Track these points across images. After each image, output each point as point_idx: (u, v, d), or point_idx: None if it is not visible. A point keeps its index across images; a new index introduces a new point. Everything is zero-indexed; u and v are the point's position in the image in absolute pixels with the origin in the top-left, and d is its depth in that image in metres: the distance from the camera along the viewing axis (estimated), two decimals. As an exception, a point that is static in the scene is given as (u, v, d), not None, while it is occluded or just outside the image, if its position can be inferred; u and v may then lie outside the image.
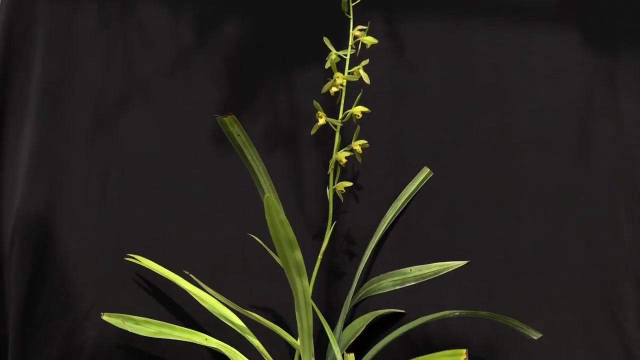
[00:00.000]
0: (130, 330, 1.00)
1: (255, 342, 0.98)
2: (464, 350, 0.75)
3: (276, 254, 0.99)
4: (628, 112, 1.17)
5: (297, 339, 0.97)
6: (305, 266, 0.83)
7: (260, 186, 0.86)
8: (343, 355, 0.95)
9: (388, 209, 1.15)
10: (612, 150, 1.16)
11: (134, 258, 1.08)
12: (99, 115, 1.15)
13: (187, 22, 1.17)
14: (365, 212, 1.16)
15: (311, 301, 0.82)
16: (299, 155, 1.16)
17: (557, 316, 1.15)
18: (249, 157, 0.83)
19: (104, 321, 1.02)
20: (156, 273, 1.06)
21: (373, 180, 1.17)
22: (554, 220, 1.16)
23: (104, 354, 1.13)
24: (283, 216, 0.70)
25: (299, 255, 0.76)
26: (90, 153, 1.14)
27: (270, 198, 0.67)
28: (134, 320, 1.02)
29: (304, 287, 0.80)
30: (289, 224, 0.71)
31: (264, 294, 1.13)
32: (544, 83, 1.17)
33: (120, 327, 1.01)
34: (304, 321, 0.84)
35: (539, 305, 1.15)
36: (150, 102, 1.15)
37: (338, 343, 0.98)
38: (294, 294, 0.82)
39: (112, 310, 1.03)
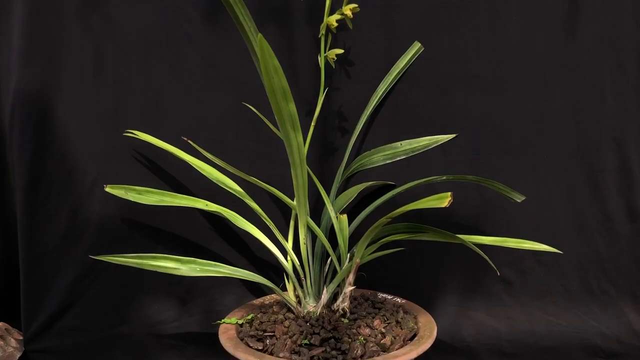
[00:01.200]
0: (132, 199, 1.04)
1: (254, 206, 1.02)
2: (449, 193, 0.79)
3: (273, 123, 1.03)
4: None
5: (293, 200, 1.02)
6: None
7: (252, 48, 0.87)
8: (337, 217, 1.00)
9: (379, 84, 1.17)
10: (599, 20, 1.16)
11: (132, 133, 1.11)
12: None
13: None
14: (356, 88, 1.18)
15: (305, 158, 0.86)
16: (290, 30, 1.16)
17: (541, 185, 1.20)
18: (240, 17, 0.84)
19: (107, 196, 1.06)
20: (155, 148, 1.10)
21: (364, 56, 1.18)
22: (540, 92, 1.18)
23: (107, 227, 1.18)
24: (277, 62, 0.72)
25: (292, 107, 0.78)
26: (83, 30, 1.14)
27: (264, 40, 0.68)
28: (136, 190, 1.06)
29: (298, 143, 0.83)
30: (282, 72, 0.73)
31: (260, 165, 1.17)
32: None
33: (123, 197, 1.05)
34: (299, 177, 0.87)
35: (524, 175, 1.20)
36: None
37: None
38: (288, 151, 0.85)
39: (114, 184, 1.06)
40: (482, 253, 0.86)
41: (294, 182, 0.90)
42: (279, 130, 1.00)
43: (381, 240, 0.94)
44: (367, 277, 1.06)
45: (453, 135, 1.18)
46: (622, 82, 1.18)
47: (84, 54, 1.14)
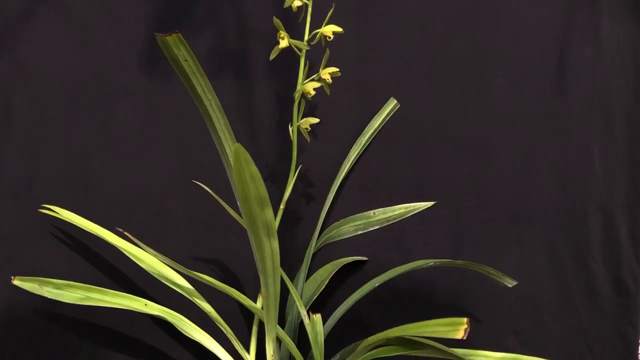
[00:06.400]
0: (49, 296, 0.84)
1: (206, 307, 0.83)
2: (465, 320, 0.64)
3: (229, 203, 0.85)
4: (608, 37, 1.07)
5: (255, 302, 0.84)
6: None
7: (212, 124, 0.69)
8: (308, 314, 0.83)
9: (351, 146, 1.02)
10: (589, 78, 1.07)
11: (49, 209, 0.89)
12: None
13: None
14: (325, 150, 1.03)
15: (279, 264, 0.68)
16: (249, 83, 0.99)
17: (525, 258, 1.09)
18: (199, 89, 0.65)
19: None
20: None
21: (334, 114, 1.03)
22: (526, 157, 1.07)
23: (19, 322, 0.95)
24: (254, 168, 0.54)
25: (270, 214, 0.61)
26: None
27: (241, 148, 0.51)
28: (53, 284, 0.85)
29: (273, 250, 0.65)
30: (260, 178, 0.56)
31: (211, 248, 0.99)
32: (521, 3, 1.05)
33: (37, 293, 0.84)
34: (270, 287, 0.70)
35: (508, 247, 1.08)
36: (62, 12, 0.93)
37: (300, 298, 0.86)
38: (258, 256, 0.68)
39: (26, 272, 0.86)
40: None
41: (263, 291, 0.72)
42: (240, 216, 0.83)
43: (368, 354, 0.77)
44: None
45: (431, 203, 1.04)
46: (611, 147, 1.09)
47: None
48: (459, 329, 0.64)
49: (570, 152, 1.08)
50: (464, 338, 0.63)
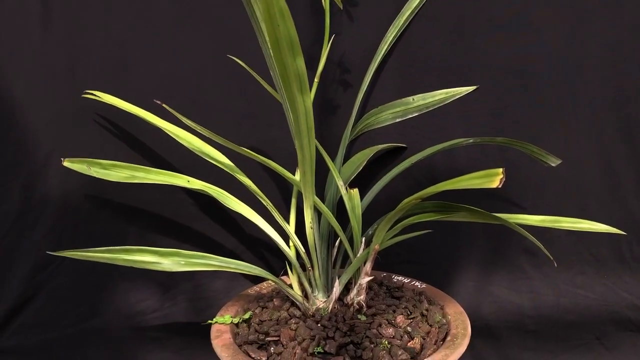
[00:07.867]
0: (97, 176, 0.86)
1: (247, 182, 0.85)
2: (500, 170, 0.63)
3: (266, 79, 0.84)
4: None
5: (294, 175, 0.85)
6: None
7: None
8: (347, 192, 0.84)
9: (388, 28, 0.99)
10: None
11: (92, 94, 0.91)
12: None
13: None
14: (361, 32, 1.01)
15: (313, 126, 0.68)
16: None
17: (571, 143, 1.05)
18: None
19: (67, 170, 0.87)
20: (123, 111, 0.90)
21: (370, -5, 0.99)
22: (574, 34, 1.01)
23: (69, 206, 1.00)
24: (284, 3, 0.53)
25: (301, 63, 0.60)
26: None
27: (266, -27, 0.49)
28: (100, 164, 0.87)
29: (306, 108, 0.65)
30: (290, 17, 0.55)
31: (248, 127, 0.99)
32: None
33: (85, 173, 0.87)
34: (306, 150, 0.70)
35: (553, 131, 1.05)
36: None
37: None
38: (292, 117, 0.67)
39: (73, 156, 0.88)
40: (532, 238, 0.71)
41: (299, 156, 0.72)
42: (275, 89, 0.82)
43: (404, 222, 0.77)
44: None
45: (473, 87, 1.01)
46: (668, 21, 1.02)
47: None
48: (494, 179, 0.63)
49: (623, 28, 1.01)
50: (499, 187, 0.62)
